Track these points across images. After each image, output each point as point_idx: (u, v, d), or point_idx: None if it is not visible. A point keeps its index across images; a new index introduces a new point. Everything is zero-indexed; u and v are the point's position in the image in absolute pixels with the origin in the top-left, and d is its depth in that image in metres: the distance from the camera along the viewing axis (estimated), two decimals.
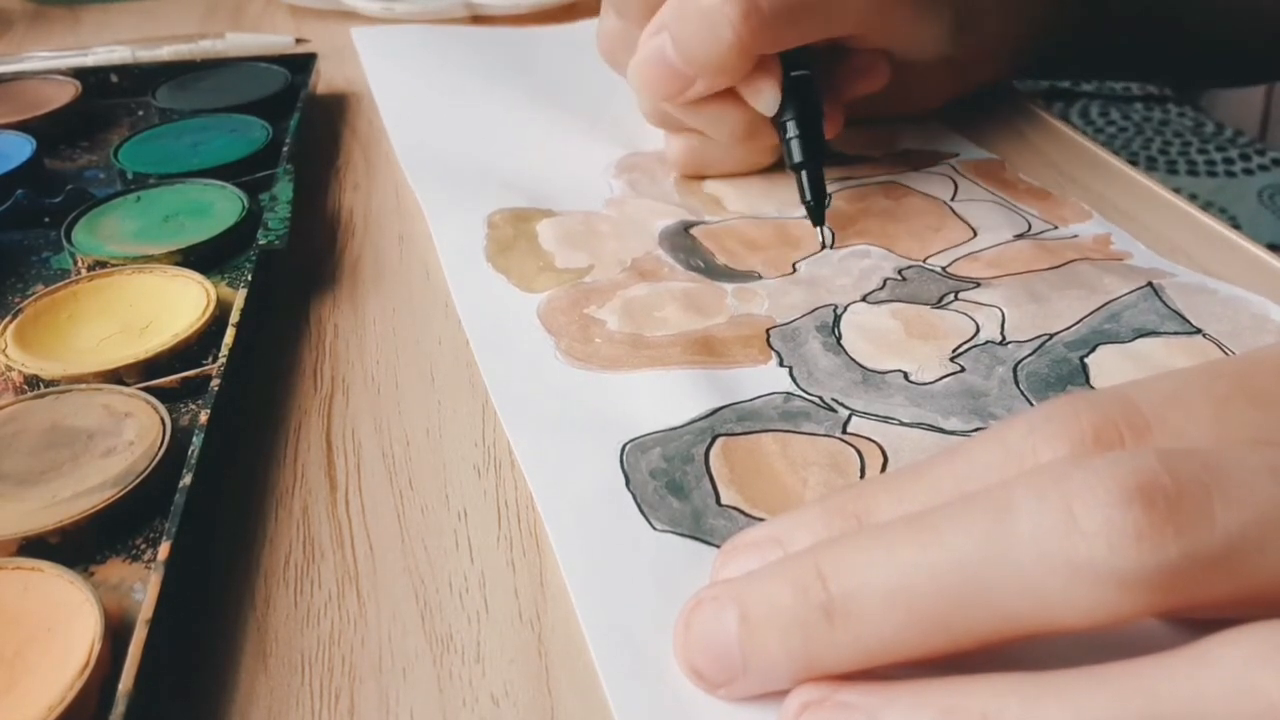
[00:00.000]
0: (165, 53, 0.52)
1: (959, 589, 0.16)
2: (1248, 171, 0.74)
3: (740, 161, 0.40)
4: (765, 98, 0.35)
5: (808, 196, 0.35)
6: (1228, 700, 0.15)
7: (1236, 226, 0.53)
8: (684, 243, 0.35)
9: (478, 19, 0.59)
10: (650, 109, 0.39)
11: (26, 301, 0.31)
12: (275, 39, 0.55)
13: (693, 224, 0.37)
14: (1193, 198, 0.68)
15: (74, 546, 0.23)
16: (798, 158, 0.35)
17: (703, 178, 0.40)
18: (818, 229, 0.35)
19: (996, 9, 0.41)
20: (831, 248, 0.35)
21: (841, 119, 0.39)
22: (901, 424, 0.27)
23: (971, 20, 0.40)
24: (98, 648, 0.20)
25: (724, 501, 0.24)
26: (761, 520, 0.24)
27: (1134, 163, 0.56)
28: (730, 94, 0.36)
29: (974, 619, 0.17)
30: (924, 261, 0.34)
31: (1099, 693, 0.15)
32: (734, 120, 0.37)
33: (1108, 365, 0.28)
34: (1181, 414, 0.18)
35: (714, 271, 0.34)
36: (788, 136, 0.36)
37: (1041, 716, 0.16)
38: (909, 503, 0.19)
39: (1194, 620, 0.17)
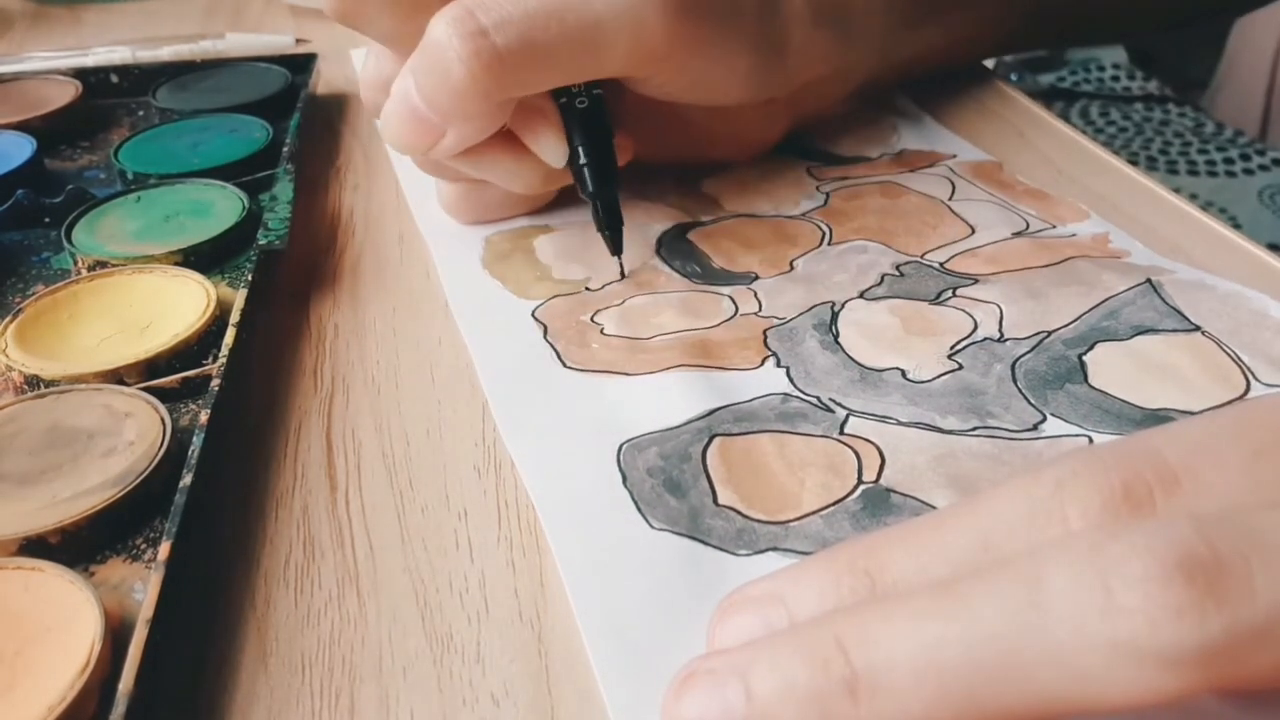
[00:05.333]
0: (165, 53, 0.52)
1: (993, 663, 0.16)
2: (1248, 171, 0.74)
3: (527, 202, 0.37)
4: (548, 146, 0.32)
5: (604, 226, 0.33)
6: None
7: (1237, 226, 0.53)
8: (681, 248, 0.35)
9: None
10: (421, 159, 0.34)
11: (27, 301, 0.31)
12: (275, 39, 0.55)
13: (690, 227, 0.37)
14: (1193, 198, 0.68)
15: (74, 546, 0.23)
16: (590, 186, 0.33)
17: (485, 221, 0.37)
18: (615, 259, 0.33)
19: (823, 40, 0.38)
20: (623, 278, 0.33)
21: (631, 147, 0.36)
22: (899, 423, 0.27)
23: (781, 59, 0.36)
24: (98, 648, 0.20)
25: (721, 501, 0.24)
26: (759, 521, 0.24)
27: (1134, 163, 0.56)
28: (512, 140, 0.33)
29: (1009, 695, 0.16)
30: (922, 257, 0.34)
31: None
32: (524, 169, 0.33)
33: (1106, 363, 0.28)
34: (1211, 466, 0.17)
35: (711, 275, 0.34)
36: (580, 163, 0.33)
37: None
38: (926, 559, 0.18)
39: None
